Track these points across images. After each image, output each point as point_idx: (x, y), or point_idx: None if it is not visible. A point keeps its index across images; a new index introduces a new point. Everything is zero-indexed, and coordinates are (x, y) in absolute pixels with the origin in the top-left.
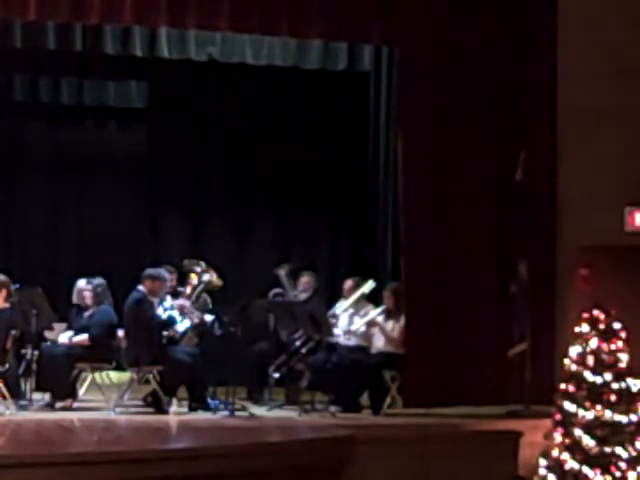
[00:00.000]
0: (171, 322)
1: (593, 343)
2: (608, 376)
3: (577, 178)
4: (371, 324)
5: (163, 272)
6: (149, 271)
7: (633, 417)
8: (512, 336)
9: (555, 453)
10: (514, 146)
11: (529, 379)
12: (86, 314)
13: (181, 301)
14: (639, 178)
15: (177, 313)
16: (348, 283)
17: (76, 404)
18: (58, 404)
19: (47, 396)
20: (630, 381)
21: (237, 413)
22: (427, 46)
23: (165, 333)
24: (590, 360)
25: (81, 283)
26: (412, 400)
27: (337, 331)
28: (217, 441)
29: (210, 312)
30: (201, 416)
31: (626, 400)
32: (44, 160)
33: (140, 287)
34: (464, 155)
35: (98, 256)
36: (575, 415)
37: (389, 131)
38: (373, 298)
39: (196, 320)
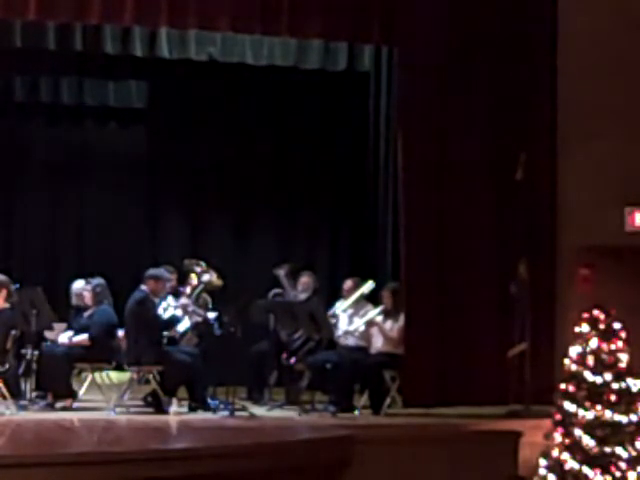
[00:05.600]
0: (173, 322)
1: (593, 343)
2: (608, 376)
3: (577, 178)
4: (370, 324)
5: (165, 272)
6: (152, 271)
7: (633, 417)
8: (512, 336)
9: (555, 453)
10: (514, 146)
11: (529, 379)
12: (86, 314)
13: (183, 300)
14: (639, 178)
15: (180, 312)
16: (348, 283)
17: (76, 404)
18: (58, 404)
19: (47, 396)
20: (630, 381)
21: (237, 413)
22: (427, 46)
23: (165, 333)
24: (590, 360)
25: (77, 285)
26: (412, 400)
27: (337, 331)
28: (217, 441)
29: (212, 311)
30: (201, 416)
31: (626, 400)
32: (44, 160)
33: (143, 287)
34: (464, 155)
35: (98, 256)
36: (575, 415)
37: (389, 131)
38: (373, 298)
39: (199, 319)
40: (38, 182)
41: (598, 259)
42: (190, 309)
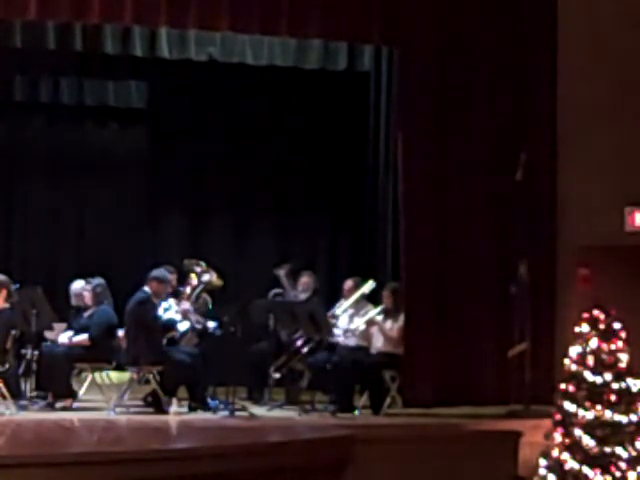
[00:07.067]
0: (172, 325)
1: (593, 343)
2: (608, 376)
3: (577, 178)
4: (370, 323)
5: (168, 274)
6: (155, 273)
7: (633, 417)
8: (512, 336)
9: (555, 453)
10: (514, 146)
11: (529, 379)
12: (86, 314)
13: (184, 306)
14: (639, 178)
15: (179, 316)
16: (348, 283)
17: (76, 404)
18: (58, 404)
19: (47, 396)
20: (630, 381)
21: (237, 413)
22: (427, 46)
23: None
24: (590, 360)
25: (76, 285)
26: (412, 400)
27: (337, 331)
28: (217, 441)
29: (212, 316)
30: (201, 416)
31: (626, 400)
32: (44, 160)
33: (146, 288)
34: (464, 155)
35: (98, 256)
36: (575, 415)
37: (389, 131)
38: (373, 298)
39: (199, 326)
40: (38, 182)
41: (598, 259)
42: (190, 315)
